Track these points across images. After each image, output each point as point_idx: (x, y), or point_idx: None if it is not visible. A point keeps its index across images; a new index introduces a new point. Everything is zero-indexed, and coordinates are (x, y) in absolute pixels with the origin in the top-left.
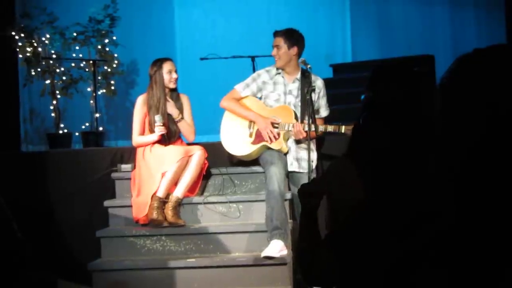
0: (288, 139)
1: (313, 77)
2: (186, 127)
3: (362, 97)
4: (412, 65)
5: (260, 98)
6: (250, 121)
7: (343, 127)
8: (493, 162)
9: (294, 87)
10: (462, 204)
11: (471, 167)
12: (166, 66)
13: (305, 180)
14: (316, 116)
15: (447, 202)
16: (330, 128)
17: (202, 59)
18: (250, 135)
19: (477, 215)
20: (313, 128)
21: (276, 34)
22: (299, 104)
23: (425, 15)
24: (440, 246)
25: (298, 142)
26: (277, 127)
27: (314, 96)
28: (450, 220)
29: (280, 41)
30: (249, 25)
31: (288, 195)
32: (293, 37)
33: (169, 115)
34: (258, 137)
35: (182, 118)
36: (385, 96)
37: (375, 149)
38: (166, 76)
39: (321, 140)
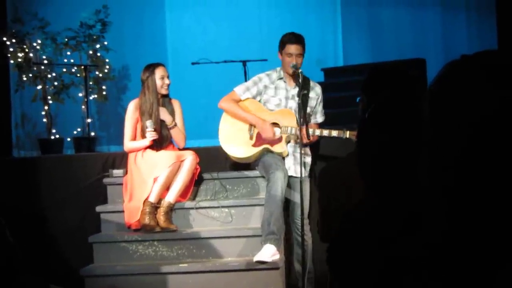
0: (288, 143)
1: (311, 83)
2: (178, 133)
3: (358, 99)
4: (405, 69)
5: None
6: (250, 124)
7: (348, 132)
8: (480, 167)
9: (296, 92)
10: (453, 210)
11: (459, 172)
12: (159, 72)
13: (299, 185)
14: (312, 121)
15: (438, 208)
16: (334, 133)
17: (193, 63)
18: (251, 138)
19: (468, 219)
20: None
21: (302, 41)
22: None
23: (416, 19)
24: (432, 250)
25: (296, 147)
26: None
27: (312, 102)
28: (441, 225)
29: (303, 50)
30: (240, 29)
31: None
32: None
33: (162, 121)
34: (259, 140)
35: (175, 124)
36: (379, 99)
37: (370, 152)
38: (158, 82)
39: (316, 145)
